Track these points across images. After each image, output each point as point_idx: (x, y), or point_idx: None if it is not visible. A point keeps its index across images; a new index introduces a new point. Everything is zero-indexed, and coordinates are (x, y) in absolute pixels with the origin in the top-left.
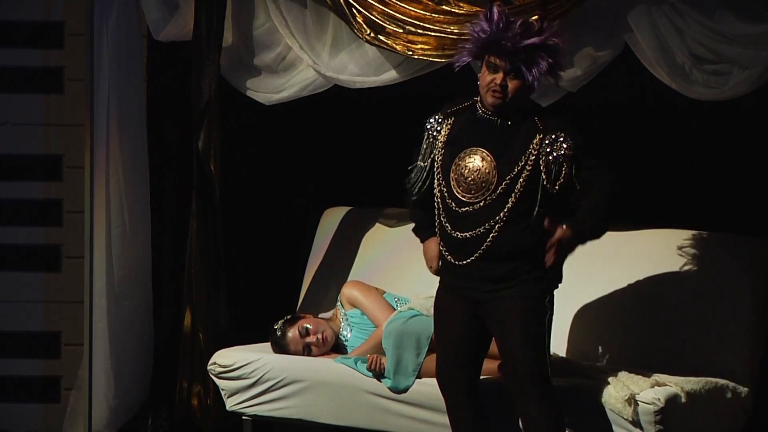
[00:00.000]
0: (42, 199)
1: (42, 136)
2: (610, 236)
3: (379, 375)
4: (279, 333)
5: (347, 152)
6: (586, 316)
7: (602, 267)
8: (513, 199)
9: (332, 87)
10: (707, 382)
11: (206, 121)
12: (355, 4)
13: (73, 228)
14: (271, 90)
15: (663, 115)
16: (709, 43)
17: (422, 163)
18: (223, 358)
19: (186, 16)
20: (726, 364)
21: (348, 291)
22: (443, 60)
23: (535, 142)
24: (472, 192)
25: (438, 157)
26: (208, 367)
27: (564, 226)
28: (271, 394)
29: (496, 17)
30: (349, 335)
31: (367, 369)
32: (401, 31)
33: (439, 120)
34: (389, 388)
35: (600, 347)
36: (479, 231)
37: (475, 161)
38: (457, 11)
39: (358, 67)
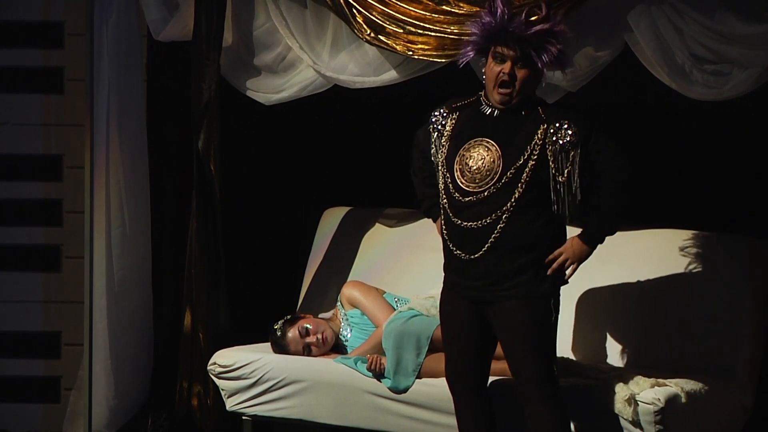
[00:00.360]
0: (42, 199)
1: (42, 136)
2: (610, 236)
3: (379, 375)
4: (279, 333)
5: (347, 152)
6: (586, 316)
7: (602, 267)
8: (520, 189)
9: (332, 87)
10: (707, 382)
11: (206, 121)
12: (355, 4)
13: (73, 228)
14: (271, 90)
15: (663, 115)
16: (709, 43)
17: (433, 159)
18: (223, 358)
19: (186, 16)
20: (726, 364)
21: (348, 291)
22: (443, 60)
23: (539, 132)
24: (477, 182)
25: (442, 150)
26: (208, 367)
27: (576, 240)
28: (271, 394)
29: (500, 9)
30: (349, 335)
31: (367, 369)
32: (401, 31)
33: (444, 114)
34: (389, 388)
35: (600, 347)
36: (486, 221)
37: (480, 151)
38: (457, 11)
39: (358, 67)
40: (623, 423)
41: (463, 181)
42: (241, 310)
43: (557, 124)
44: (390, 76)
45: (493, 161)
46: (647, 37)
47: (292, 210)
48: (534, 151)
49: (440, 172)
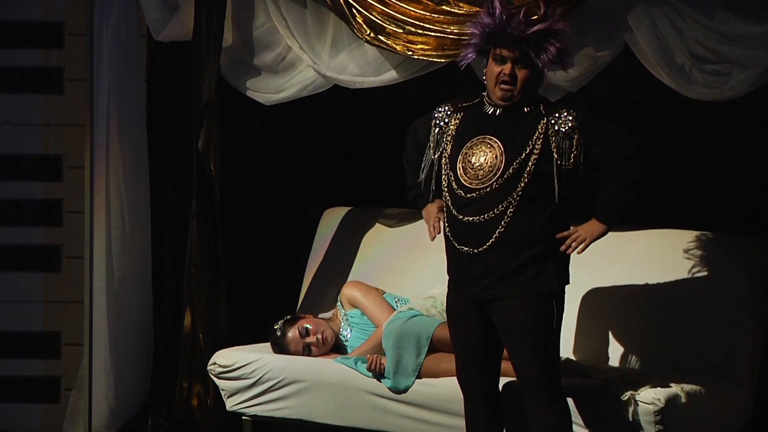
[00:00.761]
0: (42, 199)
1: (42, 136)
2: (610, 236)
3: (379, 375)
4: (279, 333)
5: (347, 152)
6: (587, 316)
7: (602, 267)
8: (523, 182)
9: (332, 87)
10: (707, 382)
11: (206, 121)
12: (355, 4)
13: (73, 228)
14: (271, 90)
15: (663, 115)
16: (709, 43)
17: (433, 156)
18: (223, 358)
19: (186, 16)
20: (726, 364)
21: (348, 291)
22: (443, 60)
23: (540, 126)
24: (480, 178)
25: (446, 149)
26: (208, 367)
27: (593, 219)
28: (271, 394)
29: (498, 10)
30: (349, 335)
31: (367, 369)
32: (401, 31)
33: (449, 111)
34: (389, 389)
35: (600, 347)
36: (490, 215)
37: (483, 149)
38: (457, 11)
39: (358, 67)
40: (623, 423)
41: (466, 178)
42: (241, 310)
43: (557, 114)
44: (390, 76)
45: (496, 157)
46: (647, 37)
47: (292, 210)
48: (536, 145)
49: (443, 171)
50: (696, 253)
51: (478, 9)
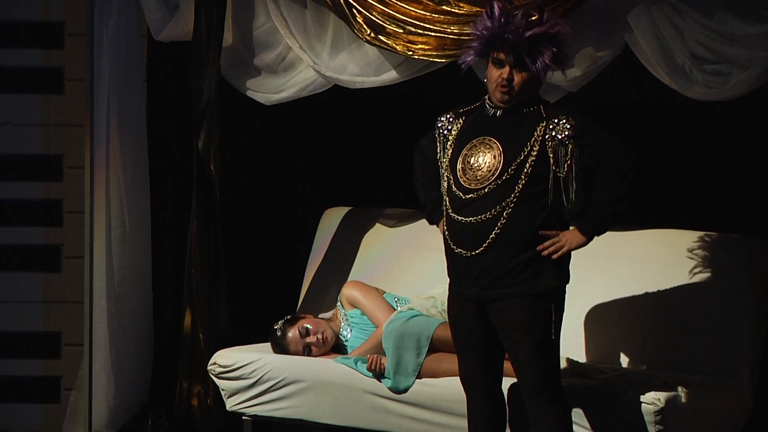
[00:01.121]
0: (42, 199)
1: (42, 136)
2: (610, 236)
3: (379, 375)
4: (279, 333)
5: (347, 152)
6: (585, 316)
7: (602, 267)
8: (521, 184)
9: (332, 87)
10: (707, 382)
11: (206, 121)
12: (355, 4)
13: (73, 228)
14: (271, 90)
15: (663, 115)
16: (709, 43)
17: (439, 161)
18: (223, 358)
19: (186, 16)
20: (726, 364)
21: (348, 291)
22: (443, 60)
23: (539, 128)
24: (478, 179)
25: (447, 153)
26: (208, 368)
27: (575, 229)
28: (271, 394)
29: (497, 13)
30: (349, 335)
31: (367, 369)
32: (401, 31)
33: (450, 119)
34: (389, 389)
35: (600, 347)
36: (487, 216)
37: (482, 149)
38: (457, 11)
39: (358, 67)
40: (624, 423)
41: (465, 178)
42: (241, 310)
43: (555, 120)
44: (390, 76)
45: (495, 157)
46: (647, 37)
47: (292, 210)
48: (534, 147)
49: (443, 173)
50: (696, 253)
51: (478, 9)
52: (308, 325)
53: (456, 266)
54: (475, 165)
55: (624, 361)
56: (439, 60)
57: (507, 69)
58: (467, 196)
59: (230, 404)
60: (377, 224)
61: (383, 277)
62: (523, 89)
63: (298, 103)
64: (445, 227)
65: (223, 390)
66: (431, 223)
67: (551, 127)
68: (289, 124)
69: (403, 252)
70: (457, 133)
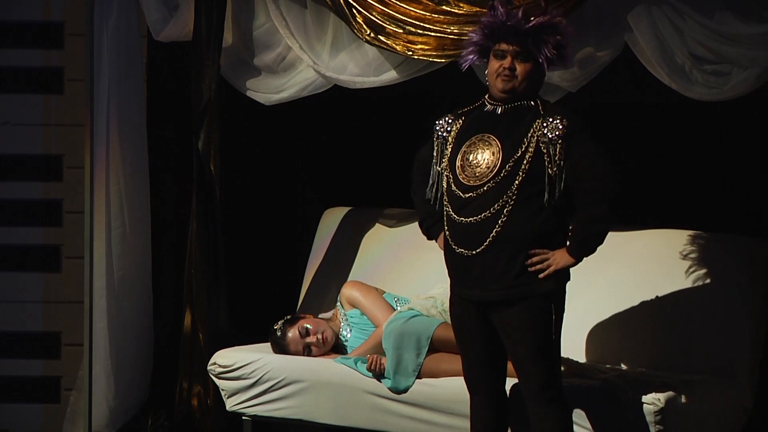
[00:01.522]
0: (42, 199)
1: (42, 136)
2: (610, 236)
3: (379, 375)
4: (279, 333)
5: (347, 152)
6: (585, 316)
7: (602, 267)
8: (518, 181)
9: (332, 87)
10: (707, 382)
11: (206, 121)
12: (355, 4)
13: (73, 228)
14: (271, 90)
15: (663, 115)
16: (709, 43)
17: (438, 168)
18: (223, 358)
19: (186, 16)
20: (726, 364)
21: (348, 291)
22: (443, 60)
23: (536, 124)
24: (477, 176)
25: (446, 153)
26: (208, 368)
27: (564, 250)
28: (271, 394)
29: (499, 10)
30: (349, 335)
31: (367, 369)
32: (401, 31)
33: (449, 120)
34: (389, 389)
35: (600, 347)
36: (487, 214)
37: (481, 146)
38: (457, 11)
39: (358, 67)
40: (624, 423)
41: (464, 176)
42: (241, 310)
43: (550, 119)
44: (390, 76)
45: (493, 154)
46: (647, 37)
47: (292, 210)
48: (531, 143)
49: (443, 173)
50: (696, 252)
51: (478, 9)
52: (308, 325)
53: (457, 267)
54: (474, 162)
55: (624, 361)
56: (439, 60)
57: (509, 59)
58: (467, 195)
59: (230, 404)
60: (377, 224)
61: (383, 277)
62: (525, 79)
63: (298, 103)
64: (446, 228)
65: (223, 390)
66: (430, 238)
67: (545, 125)
68: (289, 124)
69: (403, 252)
70: (457, 133)
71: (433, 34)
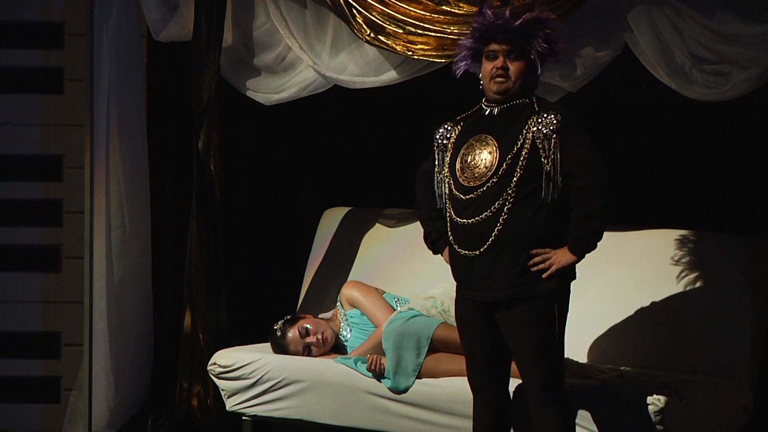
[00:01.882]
0: (42, 199)
1: (42, 137)
2: (609, 236)
3: (379, 375)
4: (279, 333)
5: (347, 152)
6: (585, 316)
7: (601, 267)
8: (516, 178)
9: (332, 87)
10: (707, 382)
11: (206, 121)
12: (355, 4)
13: (73, 228)
14: (271, 90)
15: (663, 115)
16: (709, 43)
17: (439, 175)
18: (223, 358)
19: (186, 17)
20: (726, 364)
21: (348, 291)
22: (443, 60)
23: (531, 121)
24: (477, 177)
25: (447, 158)
26: (208, 368)
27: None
28: (271, 394)
29: (487, 13)
30: (349, 335)
31: (367, 369)
32: (401, 31)
33: (449, 127)
34: (389, 389)
35: (600, 348)
36: (488, 214)
37: (479, 146)
38: (457, 11)
39: (358, 67)
40: (624, 423)
41: (464, 177)
42: (241, 310)
43: (545, 114)
44: (390, 76)
45: (491, 153)
46: (647, 37)
47: (292, 210)
48: (527, 139)
49: (444, 178)
50: (696, 253)
51: (478, 9)
52: (308, 325)
53: (460, 268)
54: (473, 163)
55: (624, 361)
56: (438, 60)
57: (501, 59)
58: (467, 197)
59: (230, 404)
60: (377, 224)
61: (383, 277)
62: (518, 78)
63: (298, 103)
64: (449, 231)
65: (223, 390)
66: (435, 252)
67: (539, 120)
68: (289, 124)
69: (403, 252)
70: (456, 137)
71: (433, 34)
